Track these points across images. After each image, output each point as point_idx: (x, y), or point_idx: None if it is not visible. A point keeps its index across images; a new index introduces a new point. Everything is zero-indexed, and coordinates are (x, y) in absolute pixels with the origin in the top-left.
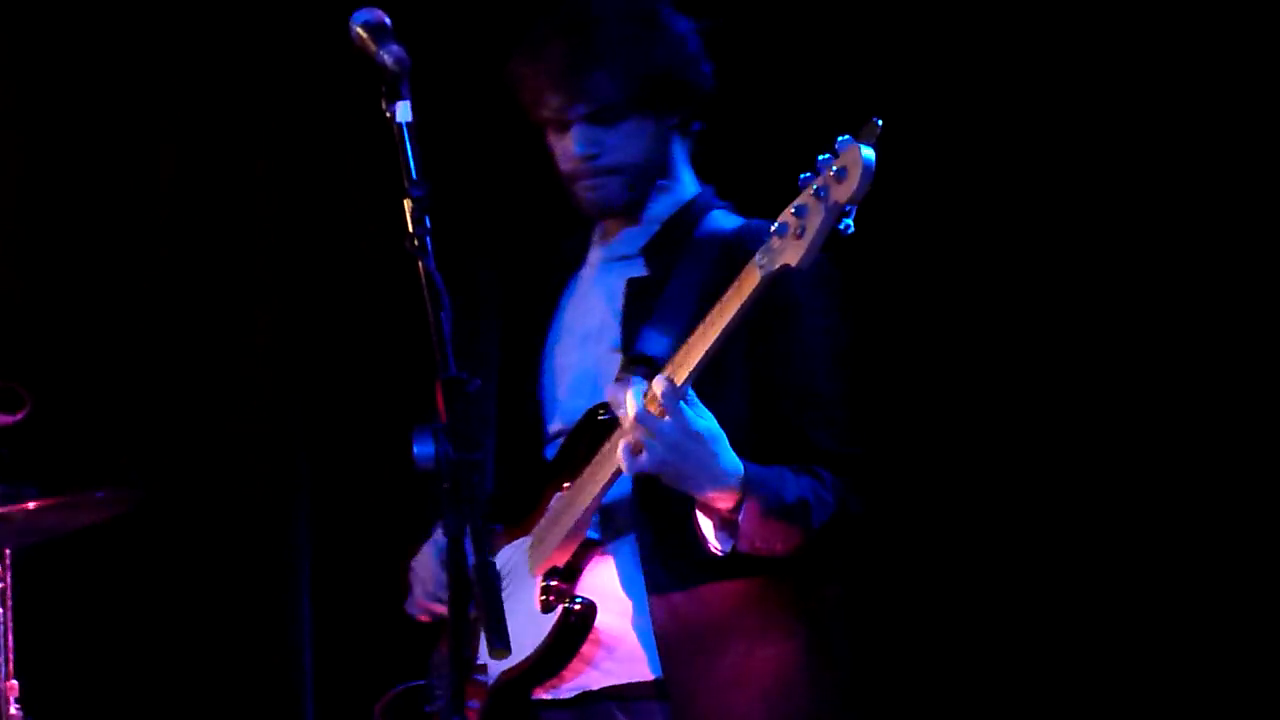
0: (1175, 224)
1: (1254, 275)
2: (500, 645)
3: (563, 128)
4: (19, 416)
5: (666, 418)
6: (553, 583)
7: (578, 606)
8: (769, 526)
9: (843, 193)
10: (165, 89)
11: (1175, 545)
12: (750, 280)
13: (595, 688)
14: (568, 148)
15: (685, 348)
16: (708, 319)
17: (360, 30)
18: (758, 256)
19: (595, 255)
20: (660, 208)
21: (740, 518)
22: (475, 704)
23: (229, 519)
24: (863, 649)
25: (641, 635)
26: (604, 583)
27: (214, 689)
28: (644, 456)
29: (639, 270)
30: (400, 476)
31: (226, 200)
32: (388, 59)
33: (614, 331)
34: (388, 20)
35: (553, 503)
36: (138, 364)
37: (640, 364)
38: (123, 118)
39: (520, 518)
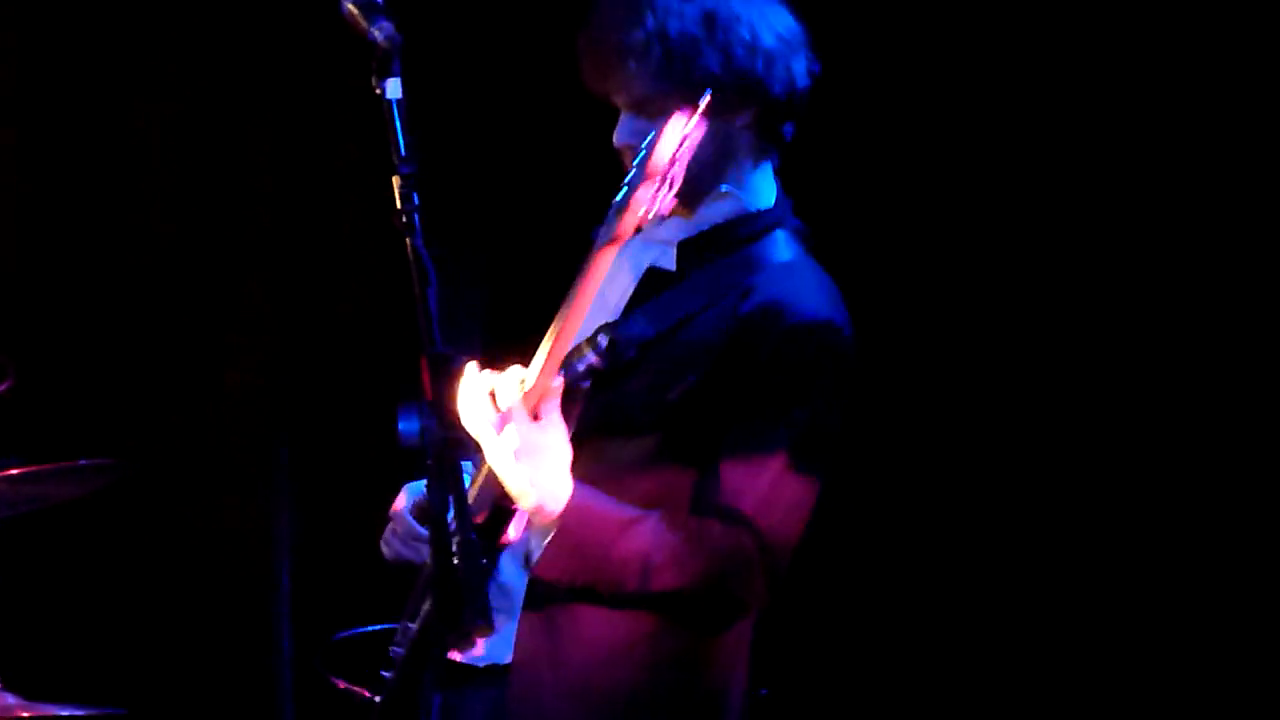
0: (1166, 223)
1: (1242, 273)
2: (483, 622)
3: (616, 107)
4: (3, 388)
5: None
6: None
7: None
8: (572, 567)
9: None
10: (157, 65)
11: (1166, 562)
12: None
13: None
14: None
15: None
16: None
17: (351, 6)
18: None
19: (645, 229)
20: (715, 212)
21: (543, 543)
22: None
23: (210, 494)
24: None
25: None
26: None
27: (194, 662)
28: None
29: (669, 260)
30: (383, 453)
31: (215, 174)
32: (379, 35)
33: (620, 308)
34: None
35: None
36: (122, 336)
37: (604, 332)
38: (116, 96)
39: None
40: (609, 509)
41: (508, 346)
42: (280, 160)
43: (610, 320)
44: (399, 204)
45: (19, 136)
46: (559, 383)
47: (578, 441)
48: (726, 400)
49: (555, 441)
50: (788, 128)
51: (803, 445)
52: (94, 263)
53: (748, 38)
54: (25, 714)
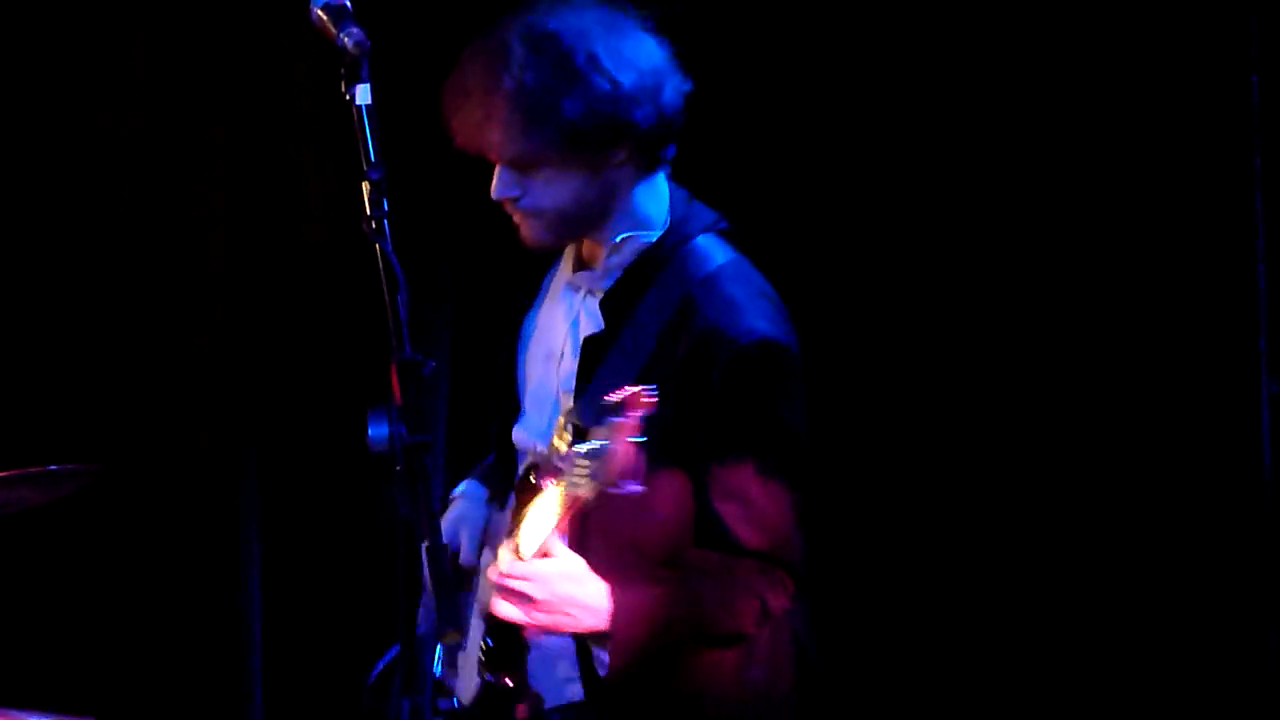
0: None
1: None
2: (452, 629)
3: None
4: None
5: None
6: (490, 644)
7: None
8: (641, 653)
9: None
10: (123, 66)
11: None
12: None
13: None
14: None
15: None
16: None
17: (320, 12)
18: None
19: (567, 267)
20: (621, 257)
21: (606, 648)
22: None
23: (179, 499)
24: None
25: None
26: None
27: (163, 669)
28: (511, 610)
29: (596, 321)
30: (352, 458)
31: (182, 177)
32: (348, 41)
33: (568, 369)
34: (348, 2)
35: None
36: (90, 341)
37: (573, 424)
38: (78, 98)
39: (504, 501)
40: (644, 595)
41: (474, 354)
42: (249, 164)
43: (568, 409)
44: (368, 209)
45: None
46: (555, 537)
47: (586, 535)
48: (695, 440)
49: (574, 563)
50: (669, 149)
51: (779, 461)
52: (62, 267)
53: (607, 86)
54: None
